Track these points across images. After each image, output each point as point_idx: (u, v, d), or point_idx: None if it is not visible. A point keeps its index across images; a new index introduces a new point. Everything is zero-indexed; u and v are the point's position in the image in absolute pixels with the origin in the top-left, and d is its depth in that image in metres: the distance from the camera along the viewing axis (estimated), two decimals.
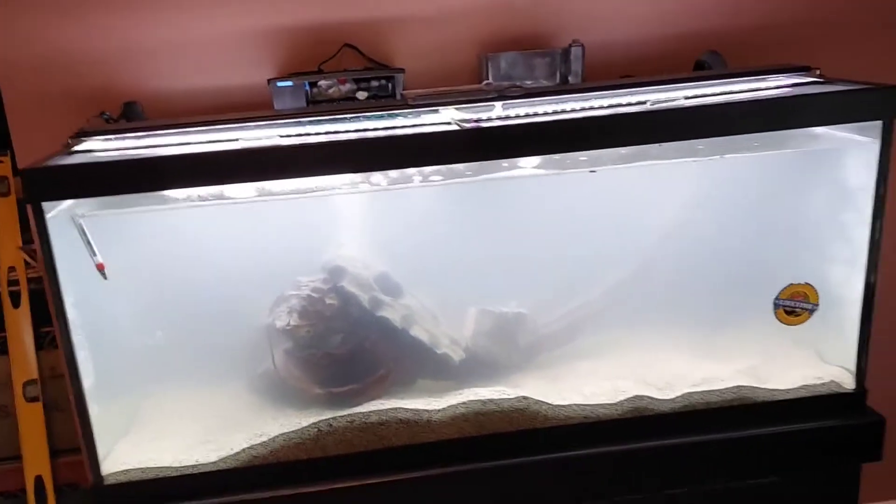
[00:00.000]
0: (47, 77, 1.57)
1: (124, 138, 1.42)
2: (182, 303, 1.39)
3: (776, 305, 1.43)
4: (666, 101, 1.39)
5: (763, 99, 1.34)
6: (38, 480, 1.70)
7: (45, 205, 1.23)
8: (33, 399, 1.72)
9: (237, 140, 1.37)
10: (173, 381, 1.41)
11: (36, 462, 1.71)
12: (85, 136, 1.41)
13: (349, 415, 1.33)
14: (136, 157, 1.28)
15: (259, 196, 1.32)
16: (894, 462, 1.95)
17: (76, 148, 1.36)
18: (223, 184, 1.27)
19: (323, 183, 1.34)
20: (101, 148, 1.37)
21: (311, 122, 1.45)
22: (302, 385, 1.38)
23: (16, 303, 1.76)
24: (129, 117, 1.57)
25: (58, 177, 1.23)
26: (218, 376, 1.42)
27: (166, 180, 1.24)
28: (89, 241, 1.28)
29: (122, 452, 1.33)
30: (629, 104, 1.40)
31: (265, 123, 1.44)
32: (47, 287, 1.26)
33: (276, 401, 1.40)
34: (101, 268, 1.29)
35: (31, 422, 1.71)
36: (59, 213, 1.27)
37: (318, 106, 1.57)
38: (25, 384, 1.72)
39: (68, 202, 1.29)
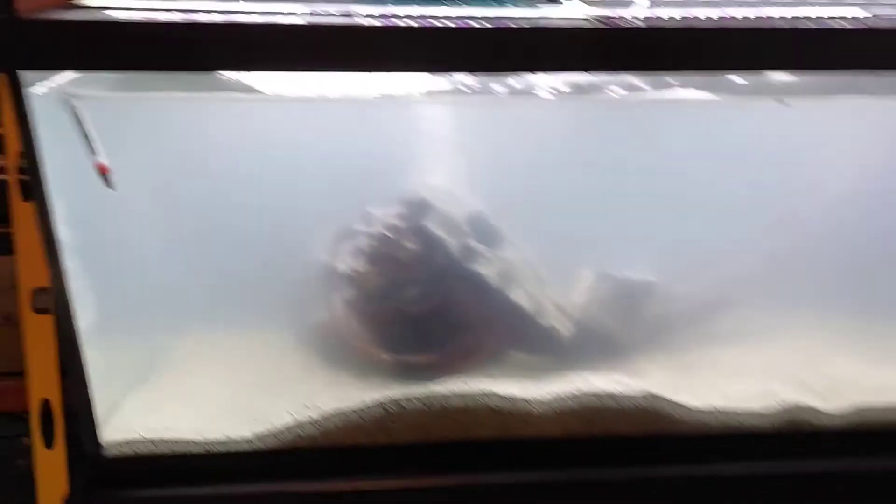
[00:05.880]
0: None
1: None
2: (214, 226, 0.91)
3: None
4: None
5: None
6: (45, 405, 1.27)
7: (29, 77, 0.74)
8: (43, 310, 1.26)
9: (297, 13, 0.86)
10: (197, 326, 0.94)
11: (43, 384, 1.27)
12: None
13: (425, 397, 0.88)
14: (165, 21, 0.77)
15: (321, 93, 0.82)
16: None
17: (82, 1, 0.86)
18: (283, 70, 0.77)
19: (410, 85, 0.84)
20: (117, 5, 0.86)
21: (395, 1, 0.93)
22: (365, 347, 0.92)
23: (27, 194, 1.29)
24: None
25: (46, 36, 0.72)
26: (255, 324, 0.94)
27: (205, 57, 0.73)
28: (89, 135, 0.79)
29: (126, 416, 0.88)
30: (832, 17, 0.88)
31: None
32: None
33: (330, 363, 0.93)
34: (103, 171, 0.81)
35: (38, 336, 1.27)
36: (51, 92, 0.78)
37: None
38: (35, 292, 1.27)
39: (63, 76, 0.79)
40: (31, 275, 1.29)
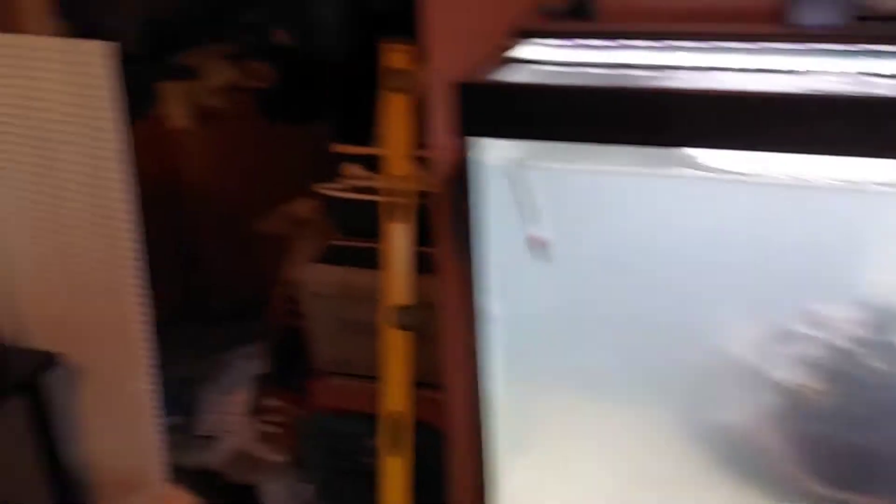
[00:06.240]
0: None
1: (579, 47, 0.83)
2: (627, 299, 0.81)
3: None
4: None
5: None
6: (396, 417, 1.33)
7: (474, 139, 0.71)
8: (405, 327, 1.31)
9: (763, 71, 0.71)
10: (589, 399, 0.87)
11: (396, 397, 1.33)
12: (526, 38, 0.84)
13: None
14: (628, 88, 0.68)
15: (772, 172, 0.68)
16: None
17: (515, 55, 0.78)
18: (772, 150, 0.64)
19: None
20: (548, 59, 0.79)
21: (860, 53, 0.73)
22: (793, 471, 0.77)
23: (399, 216, 1.34)
24: (579, 14, 0.97)
25: (500, 104, 0.68)
26: (648, 407, 0.85)
27: (675, 132, 0.64)
28: (529, 205, 0.74)
29: (511, 491, 0.84)
30: None
31: (778, 48, 0.75)
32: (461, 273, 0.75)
33: (736, 475, 0.79)
34: (539, 244, 0.76)
35: (396, 351, 1.32)
36: (497, 160, 0.73)
37: (866, 26, 0.83)
38: (398, 309, 1.32)
39: (509, 142, 0.75)
40: (393, 292, 1.35)
